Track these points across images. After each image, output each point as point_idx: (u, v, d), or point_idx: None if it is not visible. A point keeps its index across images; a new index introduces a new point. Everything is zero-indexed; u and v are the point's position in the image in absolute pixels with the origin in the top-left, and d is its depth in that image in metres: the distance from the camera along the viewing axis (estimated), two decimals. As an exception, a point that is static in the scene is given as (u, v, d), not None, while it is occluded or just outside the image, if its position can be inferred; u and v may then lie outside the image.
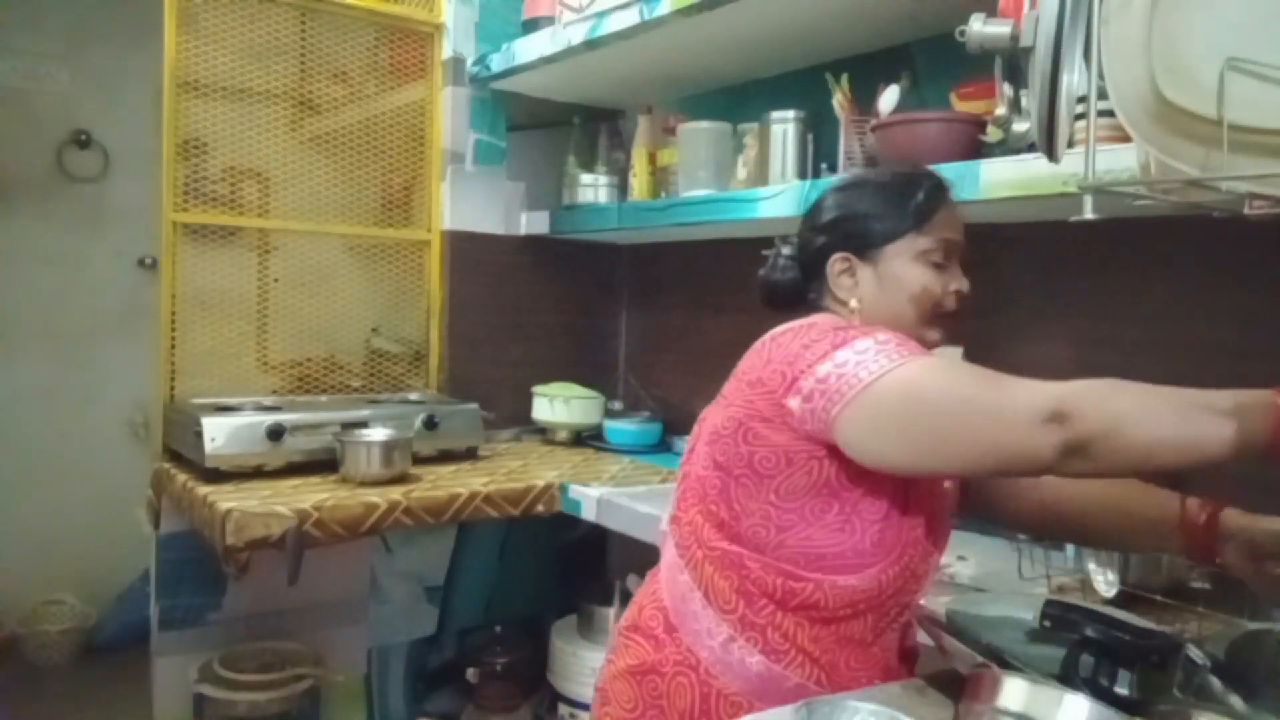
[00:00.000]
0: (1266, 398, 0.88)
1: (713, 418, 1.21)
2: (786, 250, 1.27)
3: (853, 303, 1.18)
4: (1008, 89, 1.59)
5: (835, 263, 1.19)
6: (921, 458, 1.01)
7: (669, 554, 1.21)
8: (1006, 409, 0.94)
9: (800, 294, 1.25)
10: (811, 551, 1.08)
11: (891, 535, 1.09)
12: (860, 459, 1.03)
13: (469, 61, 2.63)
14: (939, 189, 1.19)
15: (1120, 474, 1.08)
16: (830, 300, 1.21)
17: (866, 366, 1.01)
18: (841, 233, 1.19)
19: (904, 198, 1.17)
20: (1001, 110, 1.60)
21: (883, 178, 1.22)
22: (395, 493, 1.95)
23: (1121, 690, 0.93)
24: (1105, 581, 1.36)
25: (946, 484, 1.18)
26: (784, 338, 1.13)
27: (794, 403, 1.06)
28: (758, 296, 1.31)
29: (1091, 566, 1.39)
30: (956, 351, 1.96)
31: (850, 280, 1.19)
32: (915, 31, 1.95)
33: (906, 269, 1.17)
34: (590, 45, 2.22)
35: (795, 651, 1.10)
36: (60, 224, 3.54)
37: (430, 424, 2.26)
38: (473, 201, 2.66)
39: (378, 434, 2.13)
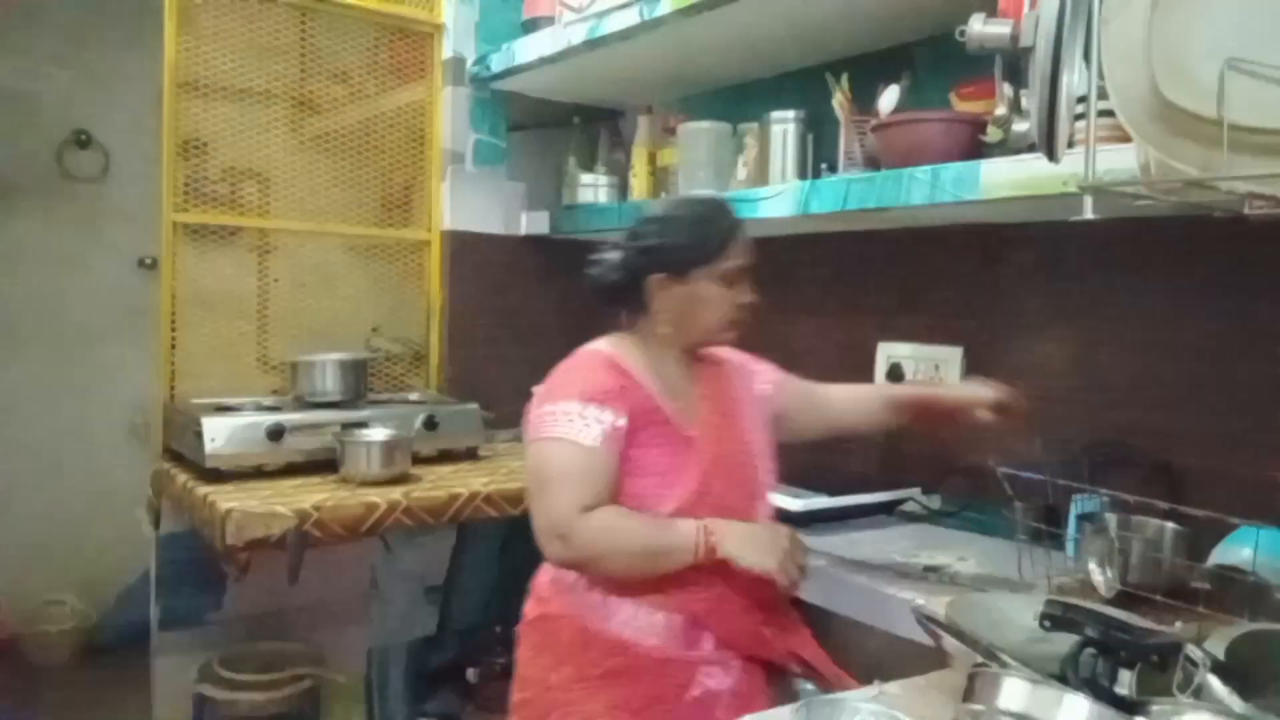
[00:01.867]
0: (692, 537, 1.34)
1: None
2: (612, 257, 1.49)
3: (663, 315, 1.46)
4: (1008, 89, 1.60)
5: (654, 282, 1.45)
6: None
7: None
8: (549, 512, 1.35)
9: (623, 297, 1.49)
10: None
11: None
12: None
13: (469, 61, 2.63)
14: (735, 223, 1.48)
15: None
16: (650, 311, 1.47)
17: (542, 424, 1.39)
18: (661, 258, 1.44)
19: (708, 233, 1.45)
20: (1001, 110, 1.60)
21: (693, 211, 1.48)
22: (395, 493, 1.95)
23: (1121, 690, 0.93)
24: (1105, 582, 1.36)
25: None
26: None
27: None
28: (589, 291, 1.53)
29: (1092, 566, 1.39)
30: (957, 352, 1.96)
31: (665, 295, 1.45)
32: (915, 31, 1.95)
33: (709, 289, 1.44)
34: (590, 45, 2.22)
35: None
36: (60, 224, 3.54)
37: (430, 424, 2.26)
38: (473, 201, 2.66)
39: (378, 434, 2.13)
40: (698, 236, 1.45)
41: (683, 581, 1.37)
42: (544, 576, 1.50)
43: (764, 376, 1.65)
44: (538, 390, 1.46)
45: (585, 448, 1.35)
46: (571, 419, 1.36)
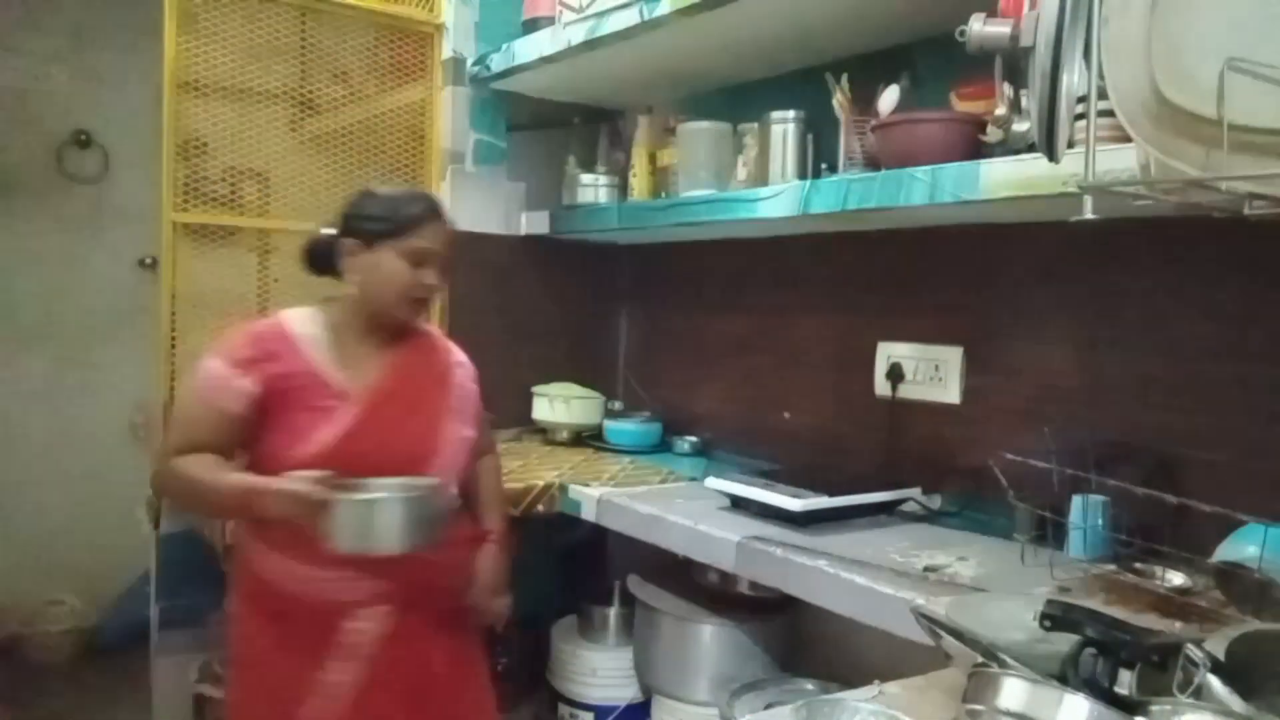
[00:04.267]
0: (238, 495, 1.47)
1: None
2: (327, 230, 1.64)
3: (353, 278, 1.60)
4: (1008, 89, 1.59)
5: (345, 245, 1.60)
6: None
7: None
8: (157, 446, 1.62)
9: (323, 263, 1.64)
10: None
11: None
12: None
13: (469, 61, 2.63)
14: (429, 210, 1.62)
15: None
16: (345, 275, 1.61)
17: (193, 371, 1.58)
18: (355, 226, 1.60)
19: (398, 210, 1.59)
20: (1001, 110, 1.60)
21: (391, 193, 1.65)
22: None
23: (1121, 690, 0.93)
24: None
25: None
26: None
27: None
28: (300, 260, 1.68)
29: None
30: (957, 352, 1.97)
31: (353, 260, 1.59)
32: (915, 31, 1.95)
33: (391, 262, 1.57)
34: (590, 45, 2.22)
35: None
36: (60, 224, 3.54)
37: (430, 424, 2.26)
38: (473, 201, 2.66)
39: (378, 434, 2.13)
40: (389, 210, 1.59)
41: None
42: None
43: (469, 375, 1.79)
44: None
45: (200, 401, 1.53)
46: (209, 375, 1.53)
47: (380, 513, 1.44)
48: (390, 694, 1.58)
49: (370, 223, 1.58)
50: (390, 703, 1.58)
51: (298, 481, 1.42)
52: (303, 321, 1.61)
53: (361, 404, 1.58)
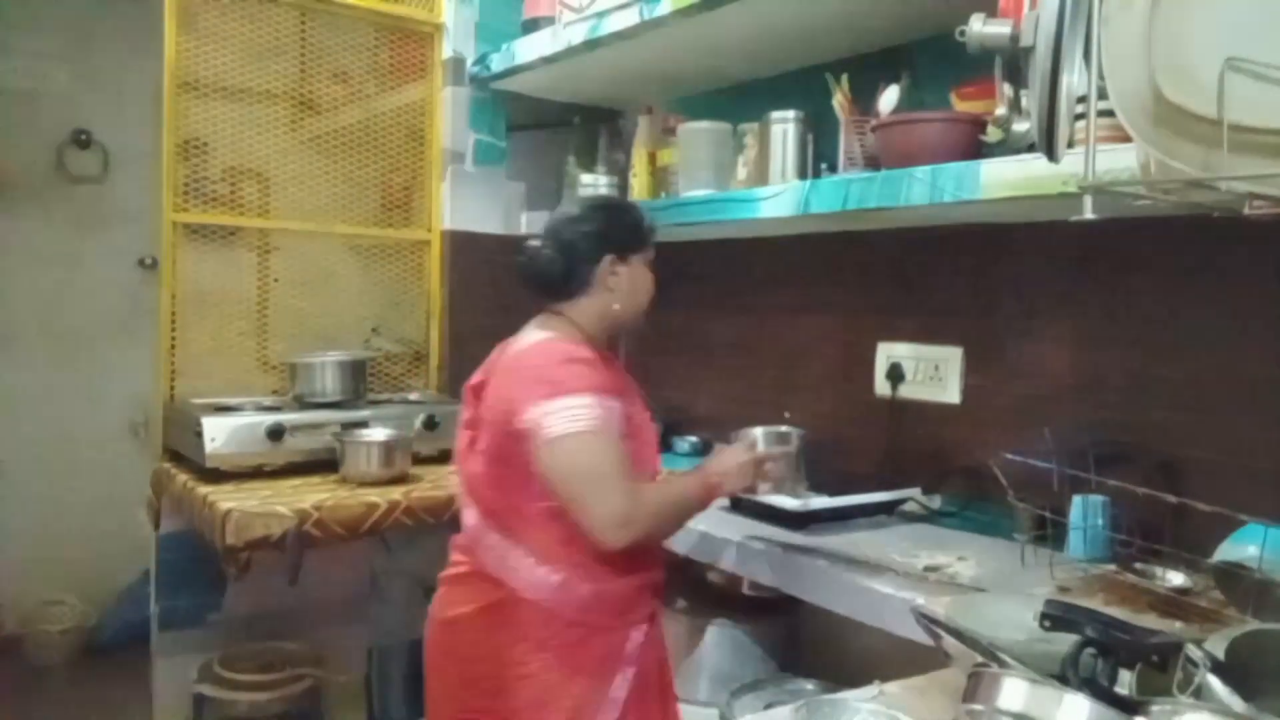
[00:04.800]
0: (698, 487, 1.52)
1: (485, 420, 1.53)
2: (549, 246, 1.55)
3: (615, 295, 1.56)
4: (1008, 89, 1.59)
5: (608, 262, 1.55)
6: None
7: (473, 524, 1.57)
8: (610, 502, 1.38)
9: (562, 283, 1.56)
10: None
11: None
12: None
13: (469, 61, 2.63)
14: (651, 219, 1.65)
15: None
16: (597, 293, 1.55)
17: (563, 421, 1.39)
18: (612, 241, 1.55)
19: (643, 221, 1.62)
20: (1001, 110, 1.59)
21: (629, 204, 1.72)
22: (395, 493, 1.95)
23: (1121, 690, 0.93)
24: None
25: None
26: (523, 360, 1.51)
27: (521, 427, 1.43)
28: (523, 284, 1.60)
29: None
30: (957, 352, 1.97)
31: (615, 276, 1.56)
32: (915, 31, 1.95)
33: (643, 272, 1.60)
34: (590, 45, 2.22)
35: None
36: (60, 224, 3.54)
37: (430, 424, 2.26)
38: (473, 201, 2.66)
39: (378, 434, 2.13)
40: (639, 222, 1.61)
41: (634, 559, 1.48)
42: (489, 562, 1.53)
43: None
44: (520, 390, 1.45)
45: (613, 436, 1.43)
46: (593, 410, 1.40)
47: (794, 461, 1.72)
48: (653, 693, 1.57)
49: (629, 235, 1.57)
50: (654, 702, 1.57)
51: (738, 452, 1.57)
52: (577, 343, 1.52)
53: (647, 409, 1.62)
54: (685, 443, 2.53)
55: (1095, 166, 1.02)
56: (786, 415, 2.34)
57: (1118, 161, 1.23)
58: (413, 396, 2.54)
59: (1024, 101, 1.56)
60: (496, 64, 2.53)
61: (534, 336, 1.54)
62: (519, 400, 1.43)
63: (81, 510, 3.47)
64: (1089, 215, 1.00)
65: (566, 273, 1.54)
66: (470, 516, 1.56)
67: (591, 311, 1.56)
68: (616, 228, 1.57)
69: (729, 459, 1.56)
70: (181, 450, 2.17)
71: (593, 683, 1.47)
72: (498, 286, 2.70)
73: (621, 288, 1.56)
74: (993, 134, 1.61)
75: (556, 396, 1.40)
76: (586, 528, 1.39)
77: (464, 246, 2.65)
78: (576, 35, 2.24)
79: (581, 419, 1.39)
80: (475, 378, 1.60)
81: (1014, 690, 0.86)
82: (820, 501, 1.86)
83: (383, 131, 2.59)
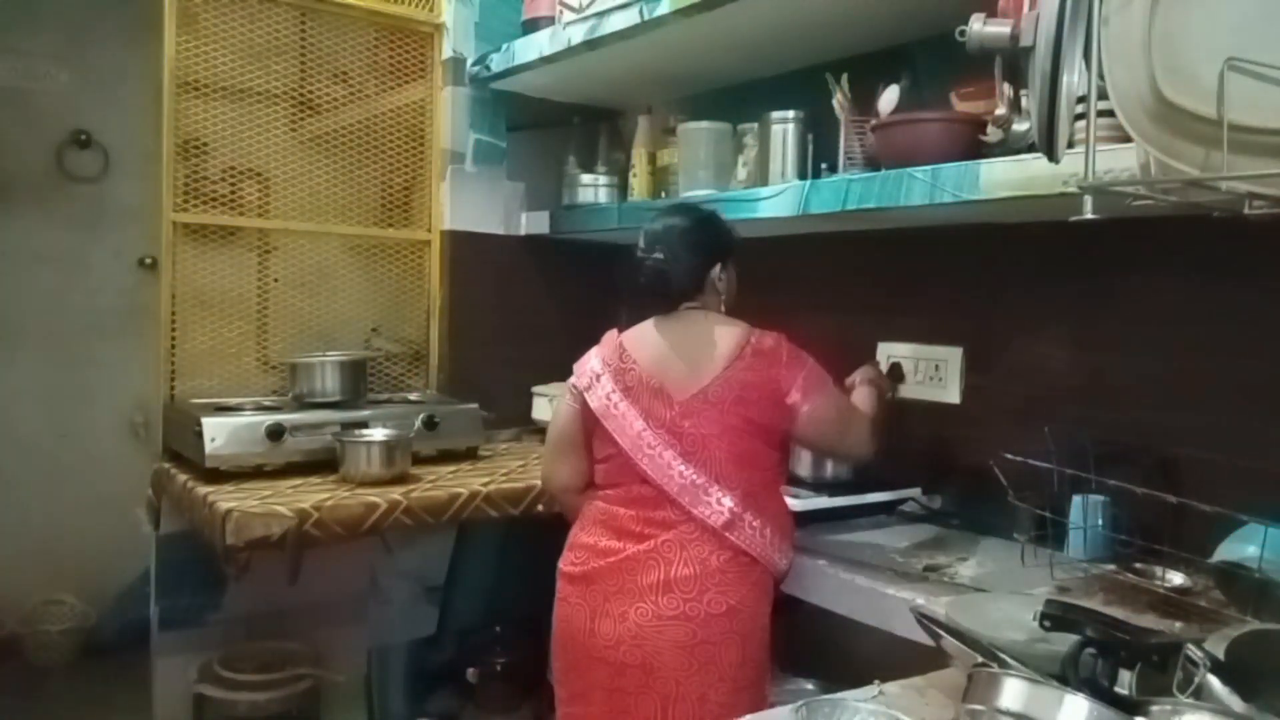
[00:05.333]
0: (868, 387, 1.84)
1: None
2: (668, 259, 1.67)
3: (726, 296, 1.73)
4: (1008, 89, 1.59)
5: (720, 268, 1.71)
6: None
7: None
8: (867, 427, 1.70)
9: (690, 289, 1.69)
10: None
11: None
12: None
13: (469, 61, 2.63)
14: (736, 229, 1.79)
15: None
16: (708, 294, 1.70)
17: (823, 376, 1.67)
18: (723, 248, 1.73)
19: (733, 230, 1.77)
20: (1001, 110, 1.60)
21: (719, 215, 1.78)
22: (395, 493, 1.94)
23: (1121, 690, 0.93)
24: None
25: None
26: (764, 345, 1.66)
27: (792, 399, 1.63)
28: (645, 292, 1.69)
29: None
30: (957, 352, 1.97)
31: (727, 279, 1.73)
32: (915, 31, 1.95)
33: (734, 275, 1.75)
34: (590, 45, 2.22)
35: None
36: (60, 224, 3.54)
37: (430, 424, 2.26)
38: (473, 201, 2.66)
39: (378, 434, 2.13)
40: (730, 231, 1.76)
41: None
42: (754, 546, 1.59)
43: None
44: (785, 352, 1.65)
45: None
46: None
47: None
48: None
49: (730, 243, 1.74)
50: None
51: (869, 368, 1.90)
52: None
53: None
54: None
55: (1095, 166, 1.02)
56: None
57: (1118, 161, 1.24)
58: (413, 396, 2.54)
59: (1024, 101, 1.56)
60: (496, 64, 2.53)
61: (741, 326, 1.67)
62: (783, 380, 1.61)
63: (81, 510, 3.47)
64: (1089, 215, 1.00)
65: (691, 279, 1.68)
66: (722, 502, 1.57)
67: (712, 309, 1.72)
68: (723, 236, 1.74)
69: (870, 370, 1.89)
70: (181, 450, 2.17)
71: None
72: (498, 286, 2.70)
73: (729, 289, 1.74)
74: (993, 134, 1.61)
75: (807, 362, 1.66)
76: (853, 458, 1.80)
77: (464, 246, 2.65)
78: (576, 35, 2.24)
79: (825, 376, 1.67)
80: (650, 376, 1.64)
81: (1014, 690, 0.86)
82: (820, 501, 1.86)
83: (382, 131, 2.59)
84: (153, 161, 2.35)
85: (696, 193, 2.20)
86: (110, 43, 3.52)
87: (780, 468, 1.69)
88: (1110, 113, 0.99)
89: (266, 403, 2.30)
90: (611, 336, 1.73)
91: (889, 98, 1.85)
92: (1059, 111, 1.02)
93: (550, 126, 2.79)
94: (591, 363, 1.71)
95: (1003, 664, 0.94)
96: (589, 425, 1.69)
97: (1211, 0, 0.92)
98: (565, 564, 1.69)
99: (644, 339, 1.68)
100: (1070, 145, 1.14)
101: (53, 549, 3.44)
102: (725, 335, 1.63)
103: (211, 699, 2.25)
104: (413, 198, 2.67)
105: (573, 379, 1.73)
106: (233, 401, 2.26)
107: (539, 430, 2.69)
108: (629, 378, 1.64)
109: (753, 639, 1.57)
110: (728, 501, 1.55)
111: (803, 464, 1.97)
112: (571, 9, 2.29)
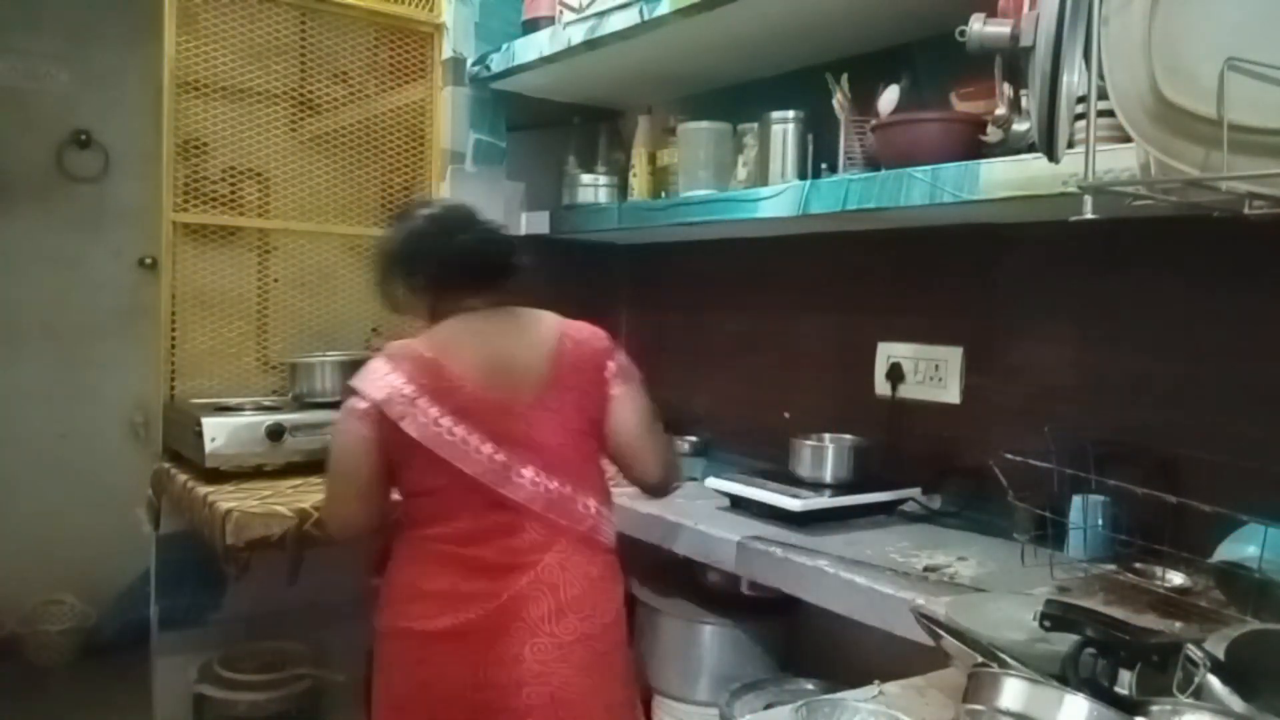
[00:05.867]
0: None
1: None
2: (495, 228, 1.71)
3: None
4: (1008, 89, 1.59)
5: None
6: None
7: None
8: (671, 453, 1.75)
9: (511, 269, 1.67)
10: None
11: None
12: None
13: (469, 61, 2.63)
14: None
15: None
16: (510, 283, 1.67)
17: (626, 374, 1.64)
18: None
19: None
20: (1001, 110, 1.59)
21: None
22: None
23: (1121, 690, 0.93)
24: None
25: None
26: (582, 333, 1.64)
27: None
28: (485, 263, 1.66)
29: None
30: (957, 352, 1.97)
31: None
32: (915, 31, 1.95)
33: None
34: (590, 45, 2.22)
35: None
36: (60, 224, 3.54)
37: (430, 424, 2.26)
38: (472, 201, 2.64)
39: (378, 434, 2.13)
40: None
41: None
42: (599, 527, 1.59)
43: None
44: (604, 335, 1.64)
45: None
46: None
47: None
48: None
49: None
50: None
51: None
52: None
53: None
54: (685, 443, 2.53)
55: (1095, 166, 1.02)
56: (786, 415, 2.34)
57: (1118, 161, 1.23)
58: (413, 396, 2.54)
59: (1024, 101, 1.56)
60: (496, 64, 2.53)
61: (553, 318, 1.65)
62: (602, 356, 1.60)
63: (81, 510, 3.47)
64: (1089, 215, 1.00)
65: (516, 258, 1.68)
66: (588, 505, 1.55)
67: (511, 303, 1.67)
68: None
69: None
70: (181, 450, 2.17)
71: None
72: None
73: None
74: (993, 134, 1.61)
75: (619, 352, 1.64)
76: (648, 472, 1.65)
77: (464, 246, 2.65)
78: (576, 35, 2.24)
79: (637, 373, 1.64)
80: (487, 392, 1.51)
81: (1014, 690, 0.86)
82: (820, 501, 1.86)
83: (382, 131, 2.59)
84: (153, 161, 2.35)
85: (696, 193, 2.20)
86: (110, 43, 3.52)
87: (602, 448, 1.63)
88: (1110, 113, 0.99)
89: (266, 403, 2.30)
90: (410, 351, 1.52)
91: (889, 98, 1.85)
92: (1059, 111, 1.02)
93: (550, 126, 2.79)
94: (392, 382, 1.47)
95: (1003, 664, 0.94)
96: (394, 455, 1.48)
97: (1211, 0, 0.92)
98: (414, 620, 1.47)
99: (460, 350, 1.52)
100: (1070, 145, 1.14)
101: (53, 549, 3.45)
102: (541, 329, 1.60)
103: (211, 699, 2.25)
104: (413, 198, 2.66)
105: (358, 401, 1.49)
106: (233, 401, 2.26)
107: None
108: (460, 398, 1.47)
109: (626, 629, 1.62)
110: (593, 504, 1.55)
111: (803, 464, 1.97)
112: (571, 9, 2.29)
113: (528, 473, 1.48)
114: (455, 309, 1.59)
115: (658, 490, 1.69)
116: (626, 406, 1.58)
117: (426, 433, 1.45)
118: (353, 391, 1.51)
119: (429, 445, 1.45)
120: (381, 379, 1.48)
